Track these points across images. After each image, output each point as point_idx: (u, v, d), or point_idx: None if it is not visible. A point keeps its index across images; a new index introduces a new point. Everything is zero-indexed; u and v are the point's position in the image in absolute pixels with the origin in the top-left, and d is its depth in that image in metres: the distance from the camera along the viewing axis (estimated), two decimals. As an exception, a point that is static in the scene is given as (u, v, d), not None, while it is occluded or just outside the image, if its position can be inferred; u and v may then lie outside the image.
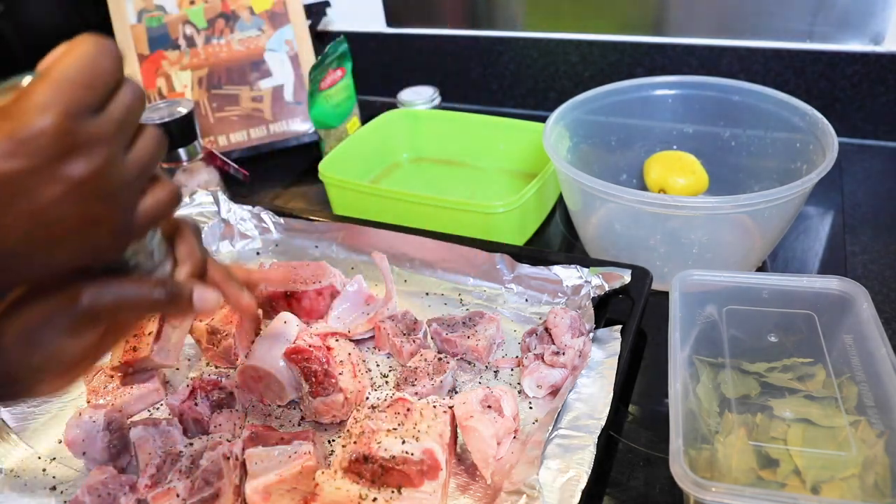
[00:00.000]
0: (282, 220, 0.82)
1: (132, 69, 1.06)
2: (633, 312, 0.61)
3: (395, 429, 0.51)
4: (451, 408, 0.53)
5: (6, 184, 0.31)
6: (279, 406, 0.62)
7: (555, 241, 0.83)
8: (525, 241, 0.81)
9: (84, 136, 0.32)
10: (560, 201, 0.88)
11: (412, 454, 0.48)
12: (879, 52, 0.88)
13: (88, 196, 0.33)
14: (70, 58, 0.32)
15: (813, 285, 0.56)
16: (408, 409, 0.52)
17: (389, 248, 0.74)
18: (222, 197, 0.82)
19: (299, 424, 0.60)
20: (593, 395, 0.55)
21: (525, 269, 0.69)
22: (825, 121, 0.68)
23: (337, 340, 0.63)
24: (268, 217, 0.82)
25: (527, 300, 0.69)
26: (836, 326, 0.53)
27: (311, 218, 0.80)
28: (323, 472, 0.49)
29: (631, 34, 1.01)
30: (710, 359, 0.53)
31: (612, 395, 0.54)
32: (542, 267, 0.68)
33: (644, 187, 0.82)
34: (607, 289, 0.64)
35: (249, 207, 0.83)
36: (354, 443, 0.50)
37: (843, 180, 0.86)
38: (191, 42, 1.07)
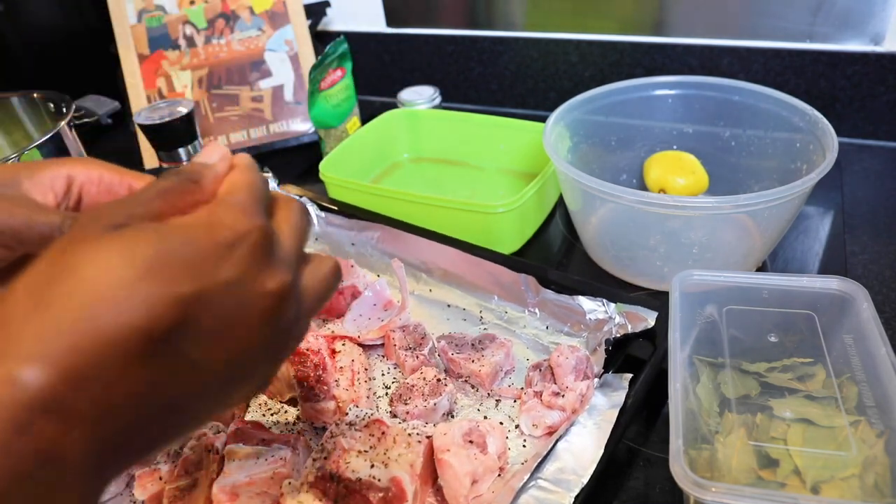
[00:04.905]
0: (323, 214, 0.81)
1: (132, 69, 1.06)
2: (653, 359, 0.57)
3: (366, 451, 0.49)
4: (429, 437, 0.51)
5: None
6: (280, 402, 0.61)
7: (555, 241, 0.83)
8: (525, 241, 0.81)
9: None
10: (560, 201, 0.88)
11: (378, 480, 0.47)
12: (879, 52, 0.88)
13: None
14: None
15: (813, 285, 0.56)
16: (382, 433, 0.51)
17: (418, 256, 0.73)
18: (272, 182, 0.81)
19: (294, 424, 0.59)
20: (585, 448, 0.51)
21: (549, 294, 0.65)
22: (825, 121, 0.68)
23: (344, 345, 0.62)
24: (312, 209, 0.81)
25: (547, 327, 0.65)
26: (836, 326, 0.53)
27: (355, 215, 0.78)
28: (290, 483, 0.48)
29: (631, 34, 1.01)
30: (710, 359, 0.53)
31: (602, 451, 0.50)
32: (566, 295, 0.64)
33: (644, 187, 0.82)
34: (630, 330, 0.59)
35: (296, 197, 0.81)
36: (325, 458, 0.49)
37: (843, 180, 0.86)
38: (191, 42, 1.07)
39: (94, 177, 0.37)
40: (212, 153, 0.33)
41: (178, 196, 0.30)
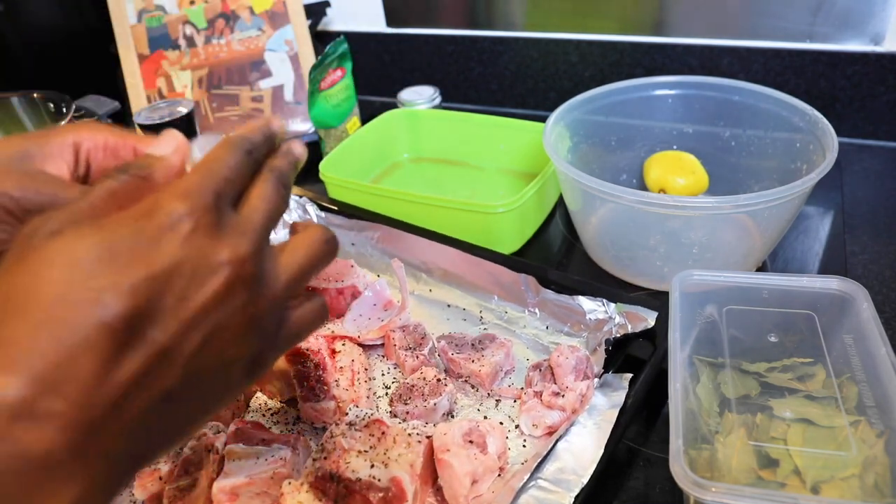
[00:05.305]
0: (323, 214, 0.81)
1: (132, 69, 1.06)
2: (653, 359, 0.57)
3: (366, 451, 0.50)
4: (429, 437, 0.51)
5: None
6: (280, 402, 0.61)
7: (555, 241, 0.83)
8: (525, 241, 0.81)
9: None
10: (560, 201, 0.88)
11: (378, 480, 0.47)
12: (879, 52, 0.88)
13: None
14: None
15: (813, 285, 0.56)
16: (382, 433, 0.51)
17: (419, 256, 0.73)
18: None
19: (294, 424, 0.59)
20: (585, 447, 0.51)
21: (549, 294, 0.65)
22: (825, 121, 0.68)
23: (344, 345, 0.62)
24: (312, 209, 0.81)
25: (547, 327, 0.65)
26: (836, 326, 0.53)
27: (355, 215, 0.78)
28: (290, 483, 0.48)
29: (631, 34, 1.01)
30: (710, 359, 0.53)
31: (602, 451, 0.50)
32: (566, 295, 0.64)
33: (644, 187, 0.82)
34: (630, 330, 0.59)
35: (296, 198, 0.82)
36: (325, 458, 0.49)
37: (843, 180, 0.86)
38: (191, 42, 1.07)
39: (99, 142, 0.38)
40: (165, 143, 0.33)
41: (126, 196, 0.30)
